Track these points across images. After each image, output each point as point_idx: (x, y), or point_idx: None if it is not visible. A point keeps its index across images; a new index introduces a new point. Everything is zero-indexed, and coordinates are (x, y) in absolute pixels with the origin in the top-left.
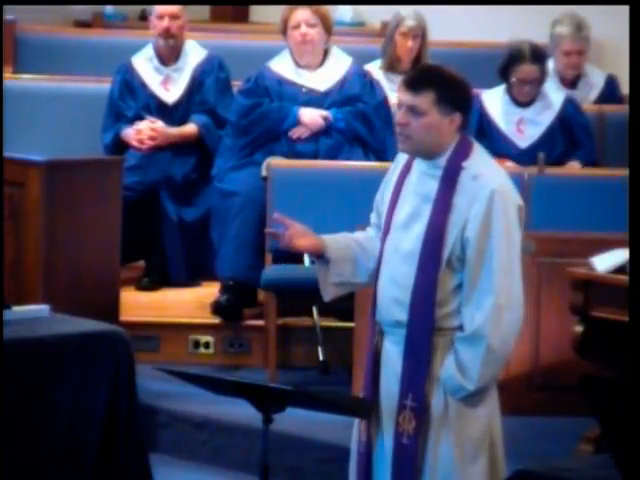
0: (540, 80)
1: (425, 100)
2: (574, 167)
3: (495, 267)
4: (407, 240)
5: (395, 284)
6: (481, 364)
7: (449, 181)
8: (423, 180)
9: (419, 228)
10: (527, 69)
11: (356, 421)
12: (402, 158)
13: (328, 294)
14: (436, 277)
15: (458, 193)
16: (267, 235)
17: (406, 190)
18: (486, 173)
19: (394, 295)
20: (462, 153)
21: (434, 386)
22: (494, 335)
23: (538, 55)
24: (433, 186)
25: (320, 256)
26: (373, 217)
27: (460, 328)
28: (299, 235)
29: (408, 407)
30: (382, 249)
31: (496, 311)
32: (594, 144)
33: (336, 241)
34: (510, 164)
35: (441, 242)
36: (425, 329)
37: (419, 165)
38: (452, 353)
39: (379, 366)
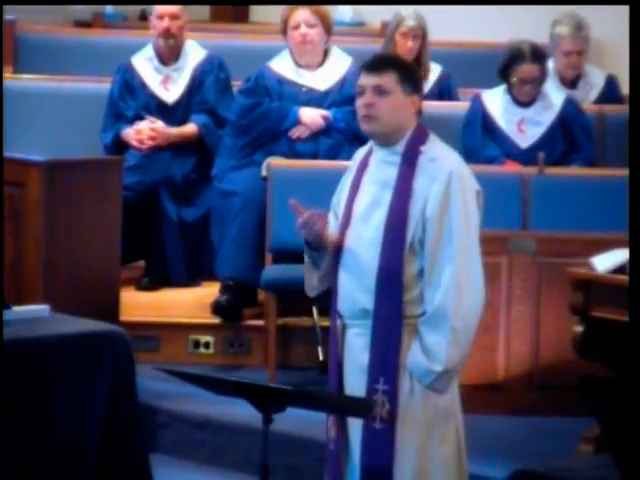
0: (540, 80)
1: (389, 79)
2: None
3: (454, 247)
4: (369, 228)
5: (359, 272)
6: (446, 344)
7: (408, 165)
8: (382, 167)
9: (380, 215)
10: (527, 68)
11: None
12: (358, 157)
13: (315, 289)
14: (401, 261)
15: (417, 176)
16: (302, 217)
17: (365, 182)
18: (443, 156)
19: (359, 283)
20: (419, 138)
21: (400, 374)
22: (456, 314)
23: (538, 55)
24: (392, 172)
25: (318, 249)
26: (330, 220)
27: (424, 315)
28: (327, 226)
29: (380, 391)
30: (341, 241)
31: (456, 290)
32: (594, 145)
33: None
34: (515, 165)
35: (404, 226)
36: (394, 313)
37: (377, 154)
38: (417, 340)
39: (342, 361)
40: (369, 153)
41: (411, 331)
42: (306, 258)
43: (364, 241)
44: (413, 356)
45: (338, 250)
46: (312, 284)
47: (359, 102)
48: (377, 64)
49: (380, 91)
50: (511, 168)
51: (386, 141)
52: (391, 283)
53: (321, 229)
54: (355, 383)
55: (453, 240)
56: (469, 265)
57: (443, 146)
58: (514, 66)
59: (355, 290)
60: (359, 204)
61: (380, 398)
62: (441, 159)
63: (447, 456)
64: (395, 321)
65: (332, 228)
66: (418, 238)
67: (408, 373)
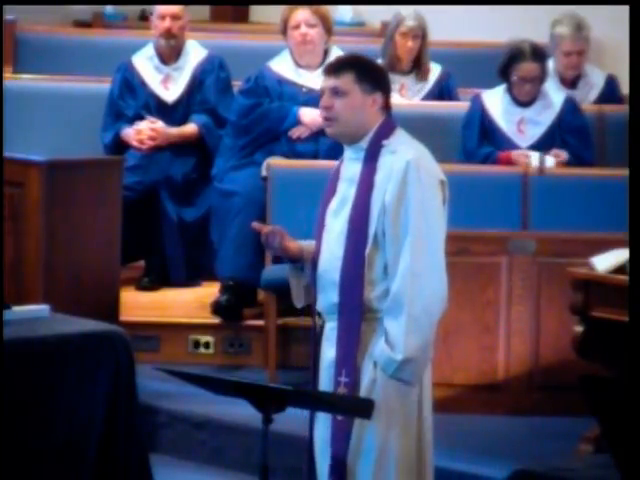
0: (540, 79)
1: (346, 80)
2: (560, 155)
3: (410, 236)
4: (337, 224)
5: (331, 267)
6: (404, 332)
7: (370, 160)
8: (349, 165)
9: (347, 210)
10: (528, 67)
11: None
12: (338, 162)
13: (301, 300)
14: (363, 254)
15: (378, 170)
16: (262, 235)
17: (339, 182)
18: (404, 147)
19: (330, 278)
20: (383, 133)
21: (365, 364)
22: (413, 302)
23: (538, 54)
24: (357, 168)
25: (297, 261)
26: None
27: None
28: (287, 237)
29: (342, 383)
30: (319, 240)
31: (412, 277)
32: (587, 146)
33: (311, 245)
34: (522, 151)
35: (366, 220)
36: (355, 305)
37: (346, 153)
38: (383, 330)
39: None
40: (341, 162)
41: (381, 325)
42: (288, 271)
43: (333, 237)
44: (378, 346)
45: (316, 250)
46: (298, 295)
47: (320, 103)
48: (335, 66)
49: (337, 92)
50: (511, 167)
51: (351, 140)
52: (353, 277)
53: (281, 244)
54: (325, 377)
55: (409, 229)
56: (427, 253)
57: (407, 139)
58: (514, 65)
59: (327, 285)
60: (332, 203)
61: (342, 390)
62: (401, 151)
63: (406, 449)
64: (355, 314)
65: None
66: (381, 231)
67: (373, 363)
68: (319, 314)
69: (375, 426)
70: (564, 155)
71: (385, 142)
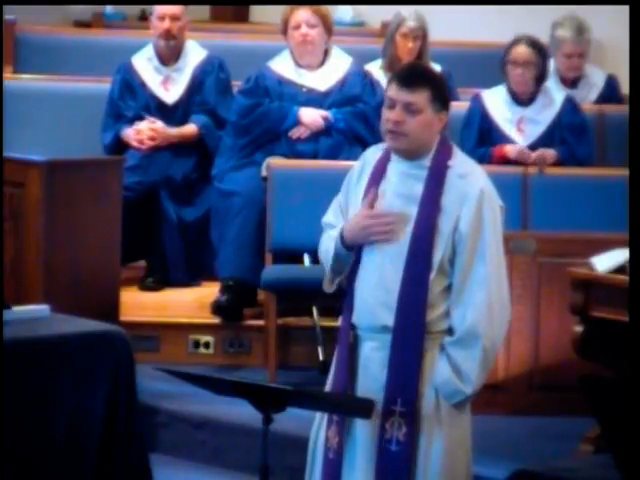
0: (539, 76)
1: (422, 98)
2: (548, 154)
3: (488, 266)
4: (394, 243)
5: (383, 288)
6: (478, 366)
7: (436, 181)
8: (405, 181)
9: (406, 230)
10: (520, 49)
11: (315, 426)
12: (371, 159)
13: (335, 285)
14: (427, 279)
15: (446, 193)
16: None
17: (386, 193)
18: (472, 172)
19: (382, 300)
20: (445, 153)
21: (424, 388)
22: (488, 334)
23: (536, 43)
24: (417, 187)
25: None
26: (331, 218)
27: (449, 330)
28: None
29: (397, 413)
30: (360, 253)
31: (488, 309)
32: (584, 145)
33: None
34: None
35: (431, 243)
36: (415, 332)
37: (398, 166)
38: (444, 357)
39: (353, 372)
40: (385, 159)
41: (436, 346)
42: (334, 253)
43: (389, 256)
44: (442, 374)
45: (356, 260)
46: (333, 280)
47: (387, 115)
48: (412, 79)
49: (410, 109)
50: (511, 167)
51: (411, 156)
52: (414, 301)
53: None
54: (368, 395)
55: (486, 259)
56: (500, 285)
57: (469, 161)
58: (510, 50)
59: (377, 306)
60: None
61: (397, 420)
62: (470, 176)
63: (463, 474)
64: (417, 340)
65: (330, 227)
66: (448, 257)
67: (434, 390)
68: (352, 326)
69: (442, 450)
70: (552, 156)
71: (450, 163)
